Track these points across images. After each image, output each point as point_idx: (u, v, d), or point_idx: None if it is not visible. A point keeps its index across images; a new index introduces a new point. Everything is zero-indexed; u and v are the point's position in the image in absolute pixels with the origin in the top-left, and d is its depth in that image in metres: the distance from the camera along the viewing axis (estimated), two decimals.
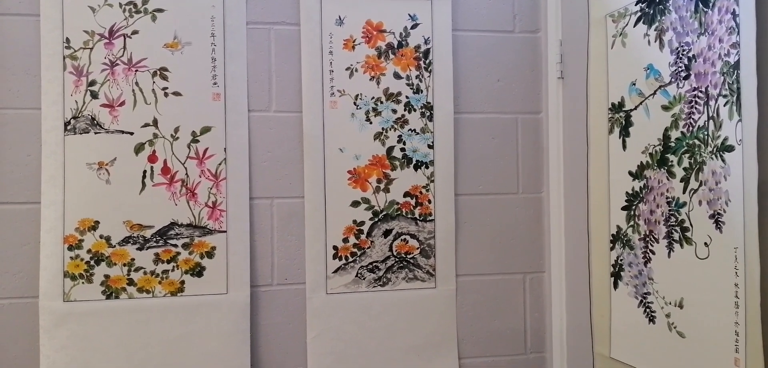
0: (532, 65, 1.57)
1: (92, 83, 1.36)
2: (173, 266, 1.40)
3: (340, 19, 1.48)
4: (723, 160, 0.96)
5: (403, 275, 1.52)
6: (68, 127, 1.35)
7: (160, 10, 1.38)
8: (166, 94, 1.39)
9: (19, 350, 1.36)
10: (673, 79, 1.08)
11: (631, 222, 1.20)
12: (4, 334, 1.35)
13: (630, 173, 1.20)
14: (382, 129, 1.50)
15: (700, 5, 1.01)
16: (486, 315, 1.55)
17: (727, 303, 0.95)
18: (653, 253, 1.13)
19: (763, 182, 0.89)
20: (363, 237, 1.49)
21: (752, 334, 0.90)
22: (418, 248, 1.52)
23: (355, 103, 1.49)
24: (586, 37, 1.32)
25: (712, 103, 0.99)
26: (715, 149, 0.98)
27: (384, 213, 1.50)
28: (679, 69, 1.06)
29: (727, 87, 0.95)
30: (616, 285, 1.24)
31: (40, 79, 1.35)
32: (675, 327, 1.08)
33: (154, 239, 1.39)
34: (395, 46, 1.50)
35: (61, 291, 1.35)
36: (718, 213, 0.97)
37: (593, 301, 1.32)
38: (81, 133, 1.36)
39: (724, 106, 0.96)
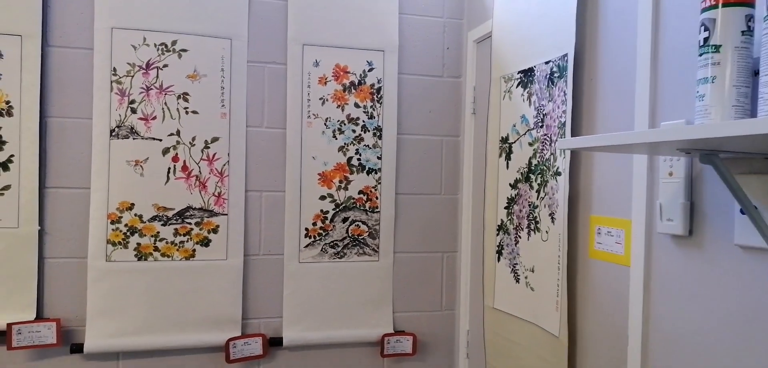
0: (454, 102, 2.16)
1: (132, 102, 1.85)
2: (188, 238, 1.90)
3: (316, 61, 2.02)
4: (556, 180, 1.57)
5: (356, 251, 2.07)
6: (113, 134, 1.84)
7: (184, 50, 1.88)
8: (186, 112, 1.89)
9: (71, 296, 1.83)
10: (534, 126, 1.68)
11: (509, 217, 1.80)
12: (60, 284, 1.83)
13: (510, 184, 1.80)
14: (344, 144, 2.05)
15: (550, 83, 1.61)
16: (414, 282, 2.13)
17: (554, 268, 1.56)
18: (520, 237, 1.74)
19: (571, 195, 1.50)
20: (327, 222, 2.04)
21: (563, 286, 1.51)
22: (367, 232, 2.08)
23: (325, 124, 2.03)
24: (488, 89, 1.91)
25: (552, 145, 1.59)
26: (553, 173, 1.59)
27: (343, 205, 2.05)
28: (538, 120, 1.66)
29: (559, 136, 1.56)
30: (498, 259, 1.85)
31: (92, 97, 1.83)
32: (529, 285, 1.69)
33: (175, 218, 1.89)
34: (356, 84, 2.05)
35: (105, 254, 1.84)
36: (553, 213, 1.58)
37: (485, 271, 1.92)
38: (122, 138, 1.84)
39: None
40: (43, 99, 1.80)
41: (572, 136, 1.51)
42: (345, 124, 2.05)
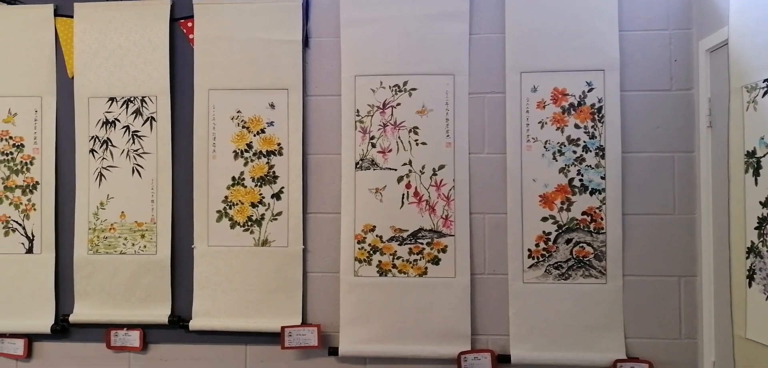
0: (686, 115, 2.03)
1: (372, 138, 2.13)
2: (420, 257, 2.10)
3: (534, 87, 2.08)
4: None
5: (581, 272, 2.06)
6: (357, 166, 2.13)
7: (414, 89, 2.11)
8: (417, 144, 2.11)
9: (327, 306, 2.16)
10: None
11: (761, 239, 1.63)
12: (319, 295, 2.16)
13: (760, 203, 1.63)
14: (565, 165, 2.06)
15: None
16: (647, 307, 2.03)
17: None
18: None
19: None
20: (550, 243, 2.07)
21: None
22: (592, 253, 2.06)
23: (544, 147, 2.07)
24: (728, 99, 1.77)
25: None
26: None
27: (566, 226, 2.06)
28: None
29: None
30: (750, 285, 1.68)
31: (340, 136, 2.15)
32: None
33: (409, 239, 2.11)
34: (575, 105, 2.06)
35: (353, 269, 2.13)
36: None
37: (733, 297, 1.75)
38: (365, 170, 2.13)
39: None
40: (304, 139, 2.17)
41: None
42: (565, 146, 2.06)
